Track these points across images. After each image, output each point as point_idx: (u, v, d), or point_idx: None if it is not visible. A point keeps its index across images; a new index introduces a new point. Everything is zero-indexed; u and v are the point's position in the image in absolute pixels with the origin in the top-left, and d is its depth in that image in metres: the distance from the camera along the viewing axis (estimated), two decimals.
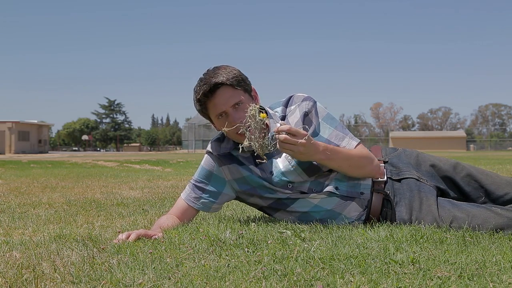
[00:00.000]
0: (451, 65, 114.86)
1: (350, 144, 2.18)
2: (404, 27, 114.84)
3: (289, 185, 2.17)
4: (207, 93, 2.07)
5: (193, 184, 2.31)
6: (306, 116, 2.18)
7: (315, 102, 2.22)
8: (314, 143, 2.00)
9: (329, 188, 2.14)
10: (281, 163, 2.16)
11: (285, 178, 2.16)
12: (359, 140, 2.21)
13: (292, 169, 2.14)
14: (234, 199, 2.34)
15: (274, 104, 2.29)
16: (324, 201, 2.15)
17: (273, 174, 2.17)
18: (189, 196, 2.30)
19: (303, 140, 1.93)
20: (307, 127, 2.13)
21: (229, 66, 2.14)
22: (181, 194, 2.35)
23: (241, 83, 2.10)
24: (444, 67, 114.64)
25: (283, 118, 2.21)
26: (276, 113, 2.23)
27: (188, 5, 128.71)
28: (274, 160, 2.18)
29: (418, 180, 2.17)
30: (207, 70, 2.14)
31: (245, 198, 2.31)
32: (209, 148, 2.31)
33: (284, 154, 2.16)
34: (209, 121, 2.23)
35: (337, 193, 2.14)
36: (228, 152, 2.23)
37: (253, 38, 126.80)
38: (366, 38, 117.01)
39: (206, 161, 2.31)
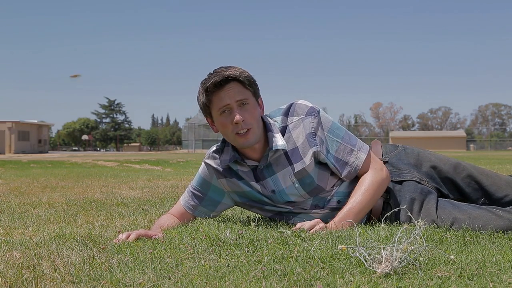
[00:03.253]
0: (451, 65, 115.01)
1: (358, 158, 2.12)
2: (404, 27, 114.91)
3: (291, 203, 2.15)
4: (218, 84, 1.99)
5: (191, 191, 2.29)
6: (313, 137, 2.08)
7: (319, 114, 2.12)
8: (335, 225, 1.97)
9: (332, 204, 2.12)
10: (284, 182, 2.11)
11: (286, 198, 2.13)
12: (368, 148, 2.16)
13: (295, 191, 2.11)
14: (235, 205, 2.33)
15: (273, 112, 2.19)
16: (327, 215, 2.11)
17: (274, 193, 2.13)
18: (188, 203, 2.29)
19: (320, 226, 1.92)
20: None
21: (243, 68, 2.08)
22: (180, 198, 2.34)
23: (252, 85, 2.05)
24: (444, 67, 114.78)
25: (284, 129, 2.12)
26: (276, 123, 2.14)
27: (188, 5, 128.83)
28: (276, 177, 2.12)
29: (419, 182, 2.15)
30: (219, 67, 2.07)
31: (245, 207, 2.30)
32: (206, 159, 2.23)
33: (286, 173, 2.10)
34: (208, 121, 2.14)
35: (340, 207, 2.09)
36: (227, 165, 2.15)
37: (253, 38, 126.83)
38: (366, 38, 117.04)
39: (203, 170, 2.25)
